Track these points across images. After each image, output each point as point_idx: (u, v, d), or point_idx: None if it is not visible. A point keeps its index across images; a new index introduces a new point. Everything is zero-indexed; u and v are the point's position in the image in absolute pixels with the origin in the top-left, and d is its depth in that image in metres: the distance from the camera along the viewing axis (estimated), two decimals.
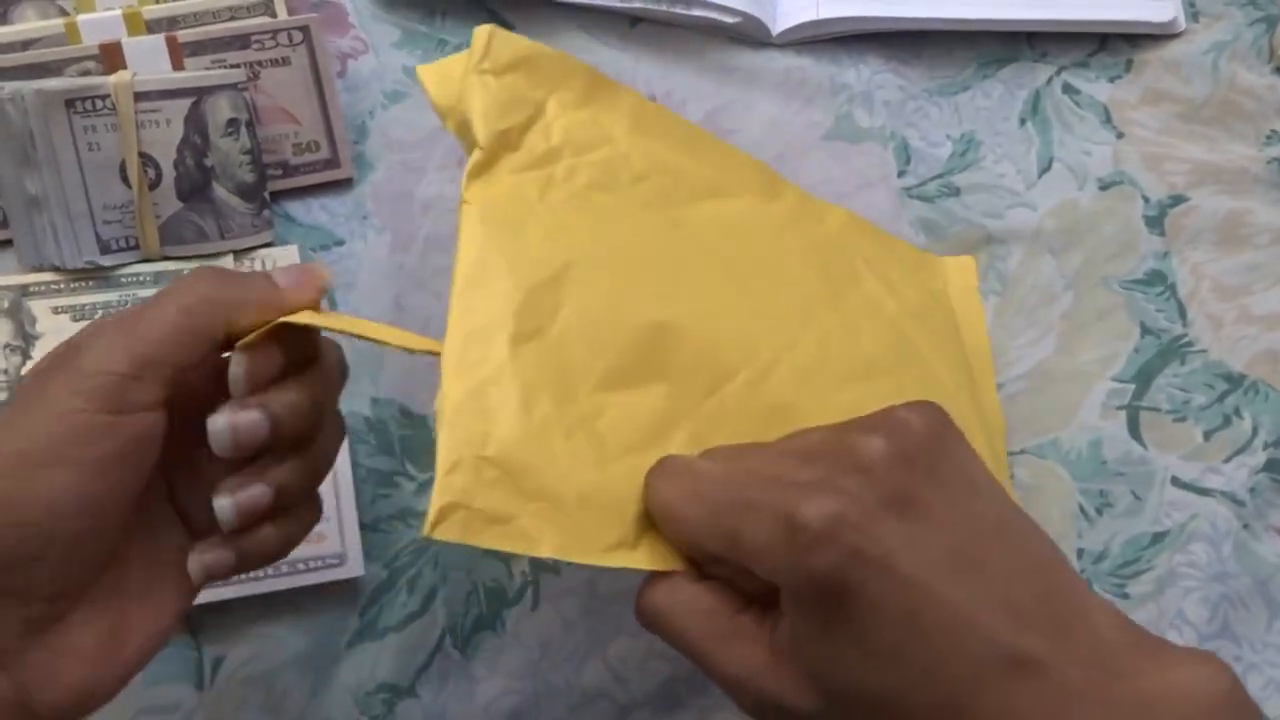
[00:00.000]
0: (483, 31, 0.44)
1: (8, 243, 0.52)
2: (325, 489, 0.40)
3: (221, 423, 0.34)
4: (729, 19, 0.58)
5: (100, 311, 0.51)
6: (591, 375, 0.40)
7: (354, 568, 0.49)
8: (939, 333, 0.52)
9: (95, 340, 0.32)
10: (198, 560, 0.35)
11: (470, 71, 0.44)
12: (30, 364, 0.50)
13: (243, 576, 0.48)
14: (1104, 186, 0.59)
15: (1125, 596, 0.53)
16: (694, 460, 0.38)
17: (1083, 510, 0.54)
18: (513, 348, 0.38)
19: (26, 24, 0.52)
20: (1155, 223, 0.58)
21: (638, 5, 0.58)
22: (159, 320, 0.33)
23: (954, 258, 0.57)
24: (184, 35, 0.52)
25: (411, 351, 0.39)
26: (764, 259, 0.48)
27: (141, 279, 0.52)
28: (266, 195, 0.53)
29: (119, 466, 0.32)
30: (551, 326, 0.40)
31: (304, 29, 0.53)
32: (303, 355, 0.37)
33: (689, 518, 0.36)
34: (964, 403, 0.51)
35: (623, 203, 0.45)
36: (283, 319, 0.36)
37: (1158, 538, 0.54)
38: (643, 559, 0.37)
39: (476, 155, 0.42)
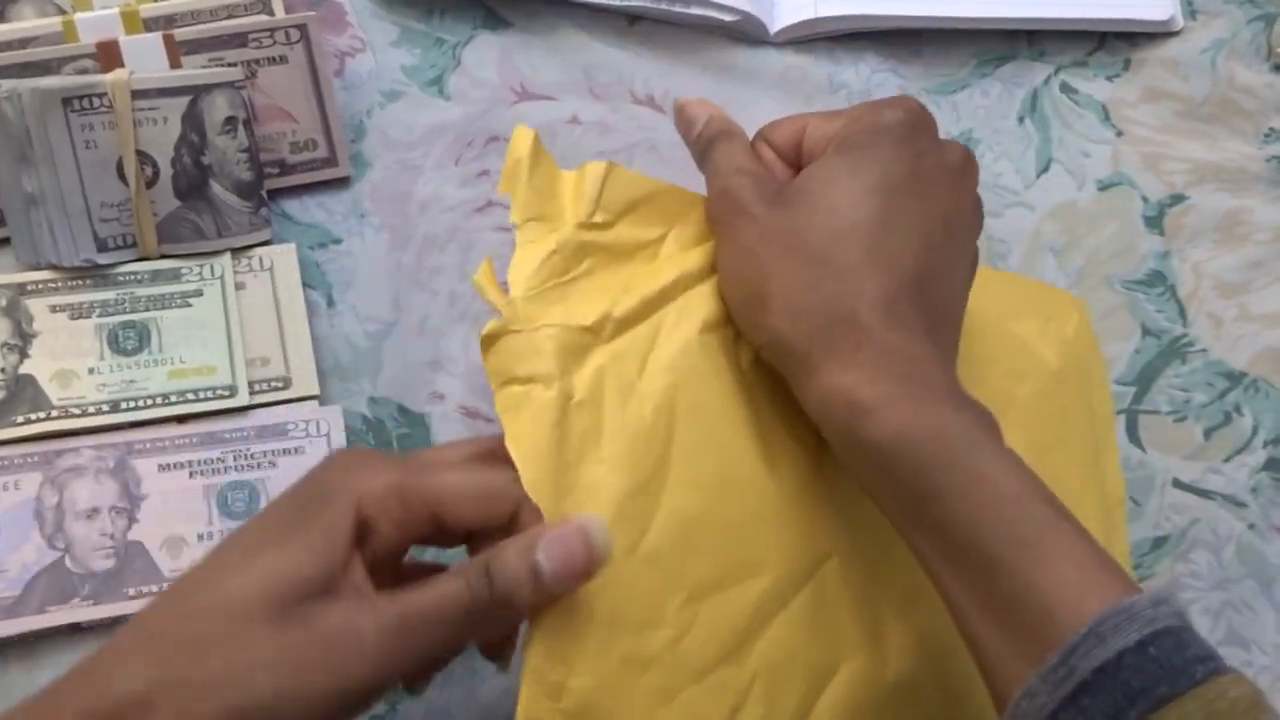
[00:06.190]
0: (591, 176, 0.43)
1: (5, 241, 0.52)
2: None
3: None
4: (727, 17, 0.58)
5: (98, 310, 0.51)
6: (683, 587, 0.39)
7: None
8: (1065, 415, 0.50)
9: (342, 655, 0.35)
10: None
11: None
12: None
13: None
14: (1103, 186, 0.59)
15: None
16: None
17: None
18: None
19: (24, 22, 0.52)
20: (1155, 222, 0.58)
21: (636, 3, 0.57)
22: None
23: (1070, 296, 0.55)
24: (181, 33, 0.52)
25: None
26: None
27: (139, 277, 0.52)
28: (264, 193, 0.53)
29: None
30: (645, 537, 0.39)
31: (301, 27, 0.53)
32: None
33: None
34: (1089, 501, 0.50)
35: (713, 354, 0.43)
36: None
37: (1158, 542, 0.53)
38: None
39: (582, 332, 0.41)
